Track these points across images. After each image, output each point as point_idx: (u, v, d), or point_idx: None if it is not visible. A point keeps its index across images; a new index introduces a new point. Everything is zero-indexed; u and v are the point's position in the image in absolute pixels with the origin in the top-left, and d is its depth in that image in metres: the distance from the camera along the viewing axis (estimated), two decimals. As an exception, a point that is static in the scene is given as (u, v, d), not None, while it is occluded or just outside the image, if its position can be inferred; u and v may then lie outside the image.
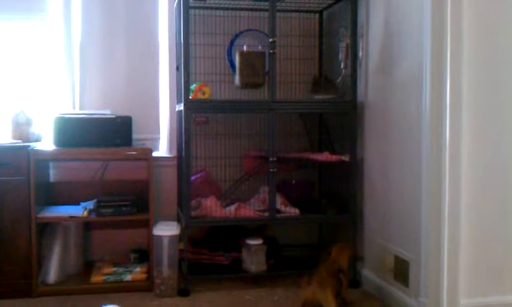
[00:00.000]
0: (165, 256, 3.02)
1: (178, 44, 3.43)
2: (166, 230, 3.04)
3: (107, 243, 3.50)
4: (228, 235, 3.44)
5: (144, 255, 3.30)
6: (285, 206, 3.24)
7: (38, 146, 3.10)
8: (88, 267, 3.32)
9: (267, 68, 3.17)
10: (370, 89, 3.13)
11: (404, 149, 2.76)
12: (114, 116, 3.19)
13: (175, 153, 3.58)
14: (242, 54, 3.18)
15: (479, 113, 2.50)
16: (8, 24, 3.46)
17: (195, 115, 3.32)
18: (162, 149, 3.65)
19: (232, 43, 3.62)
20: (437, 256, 2.51)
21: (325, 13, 3.69)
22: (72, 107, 3.51)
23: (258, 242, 3.24)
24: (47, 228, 3.17)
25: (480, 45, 2.47)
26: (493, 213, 2.55)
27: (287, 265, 3.40)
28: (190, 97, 3.08)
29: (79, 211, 3.13)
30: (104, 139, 3.14)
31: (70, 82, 3.51)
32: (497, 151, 2.53)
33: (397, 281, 2.84)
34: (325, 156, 3.25)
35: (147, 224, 3.13)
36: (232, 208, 3.19)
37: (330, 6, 3.50)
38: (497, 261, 2.57)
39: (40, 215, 3.02)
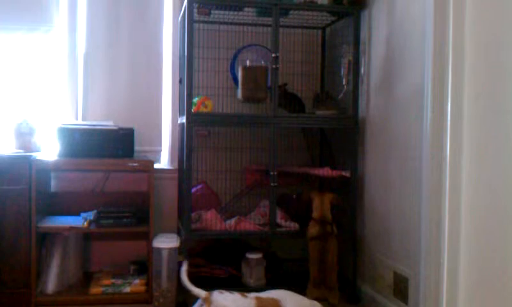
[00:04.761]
0: (164, 269, 3.02)
1: (181, 57, 3.45)
2: (166, 242, 3.04)
3: (106, 254, 3.50)
4: (228, 249, 3.44)
5: (143, 267, 3.29)
6: (285, 220, 3.24)
7: (39, 155, 3.11)
8: (87, 277, 3.32)
9: (269, 83, 3.19)
10: (371, 105, 3.15)
11: (405, 166, 2.77)
12: (116, 128, 3.21)
13: (176, 166, 3.59)
14: (245, 68, 3.20)
15: (480, 131, 2.50)
16: (13, 35, 3.49)
17: (197, 128, 3.34)
18: (164, 162, 3.66)
19: (235, 57, 3.64)
20: (436, 272, 2.51)
21: (328, 30, 3.72)
22: (75, 117, 3.54)
23: (258, 256, 3.23)
24: (47, 238, 3.16)
25: (482, 64, 2.48)
26: (494, 230, 2.54)
27: (287, 279, 3.39)
28: (192, 110, 3.10)
29: (79, 221, 3.14)
30: (106, 150, 3.16)
31: (73, 92, 3.54)
32: (498, 168, 2.53)
33: (396, 297, 2.83)
34: (326, 171, 3.25)
35: (147, 236, 3.13)
36: (232, 221, 3.19)
37: (333, 22, 3.53)
38: (497, 278, 2.56)
39: (40, 225, 3.02)
